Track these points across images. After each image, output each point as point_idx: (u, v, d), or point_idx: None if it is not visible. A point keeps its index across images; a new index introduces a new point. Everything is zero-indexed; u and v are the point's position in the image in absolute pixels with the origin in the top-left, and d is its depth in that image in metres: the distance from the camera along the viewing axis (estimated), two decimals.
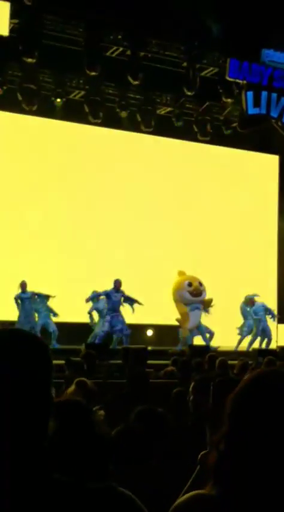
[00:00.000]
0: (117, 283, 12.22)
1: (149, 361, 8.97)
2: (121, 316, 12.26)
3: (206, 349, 10.96)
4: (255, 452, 1.25)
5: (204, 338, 12.92)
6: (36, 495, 1.12)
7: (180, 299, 13.40)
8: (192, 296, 13.23)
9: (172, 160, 15.02)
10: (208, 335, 12.99)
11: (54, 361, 1.28)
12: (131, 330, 12.32)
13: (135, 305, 12.32)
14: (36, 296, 12.17)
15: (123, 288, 12.33)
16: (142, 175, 14.78)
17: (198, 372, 6.93)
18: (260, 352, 10.67)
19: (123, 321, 12.19)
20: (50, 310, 12.30)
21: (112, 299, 12.20)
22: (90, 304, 12.67)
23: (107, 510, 1.17)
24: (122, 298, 12.29)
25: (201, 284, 13.40)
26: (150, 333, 13.97)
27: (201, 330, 13.12)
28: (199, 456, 1.97)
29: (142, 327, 13.74)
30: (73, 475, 1.21)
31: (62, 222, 13.87)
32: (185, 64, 13.66)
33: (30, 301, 12.03)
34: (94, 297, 12.54)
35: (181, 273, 13.61)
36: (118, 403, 4.55)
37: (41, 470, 1.14)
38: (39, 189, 13.71)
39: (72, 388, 4.32)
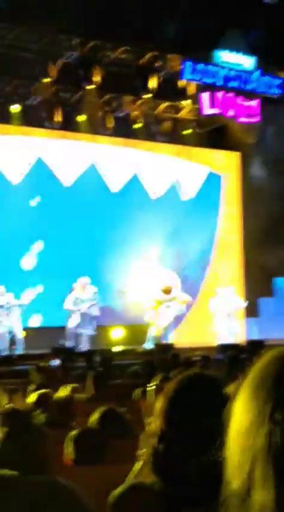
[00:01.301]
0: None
1: (117, 362, 9.06)
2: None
3: (170, 346, 11.11)
4: (182, 444, 1.40)
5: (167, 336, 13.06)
6: None
7: (151, 297, 13.57)
8: (164, 294, 13.39)
9: (131, 162, 15.14)
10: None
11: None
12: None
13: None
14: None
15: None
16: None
17: (162, 370, 7.07)
18: (222, 347, 10.87)
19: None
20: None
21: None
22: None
23: (48, 499, 1.26)
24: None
25: (171, 281, 13.58)
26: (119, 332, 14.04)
27: (170, 328, 13.30)
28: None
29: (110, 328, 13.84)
30: (19, 471, 1.33)
31: None
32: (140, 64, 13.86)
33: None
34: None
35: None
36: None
37: None
38: None
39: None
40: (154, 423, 1.60)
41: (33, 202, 14.07)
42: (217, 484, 0.79)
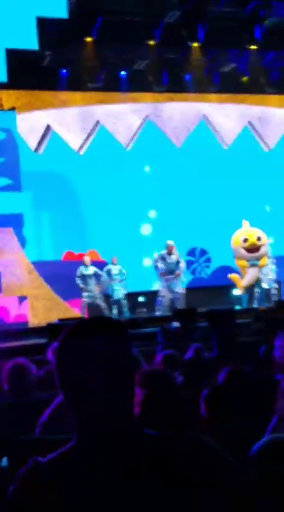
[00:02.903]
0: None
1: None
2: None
3: None
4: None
5: (255, 298, 12.52)
6: (132, 447, 1.35)
7: (236, 255, 12.91)
8: (248, 252, 12.67)
9: (241, 116, 14.89)
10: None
11: None
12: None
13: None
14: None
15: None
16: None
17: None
18: None
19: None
20: None
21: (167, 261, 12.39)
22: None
23: (192, 456, 1.35)
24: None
25: (259, 239, 12.70)
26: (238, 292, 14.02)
27: (260, 287, 12.67)
28: None
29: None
30: (161, 430, 1.43)
31: None
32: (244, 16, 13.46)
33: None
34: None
35: (244, 224, 13.08)
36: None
37: (134, 428, 1.37)
38: None
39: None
40: None
41: (147, 168, 14.31)
42: None
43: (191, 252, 14.60)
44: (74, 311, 12.88)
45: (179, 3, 13.16)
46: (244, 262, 12.71)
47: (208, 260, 14.86)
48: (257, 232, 12.81)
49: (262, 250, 12.69)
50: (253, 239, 12.64)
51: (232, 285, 13.32)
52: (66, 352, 1.38)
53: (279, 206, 14.86)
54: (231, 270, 13.72)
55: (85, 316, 11.93)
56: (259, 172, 14.70)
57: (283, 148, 15.05)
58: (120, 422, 1.36)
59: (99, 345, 1.36)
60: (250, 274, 12.61)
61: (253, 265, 12.62)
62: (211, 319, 8.70)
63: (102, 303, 12.52)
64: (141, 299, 13.34)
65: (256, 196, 14.58)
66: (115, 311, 12.69)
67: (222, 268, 14.25)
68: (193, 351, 5.22)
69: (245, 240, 12.66)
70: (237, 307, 11.82)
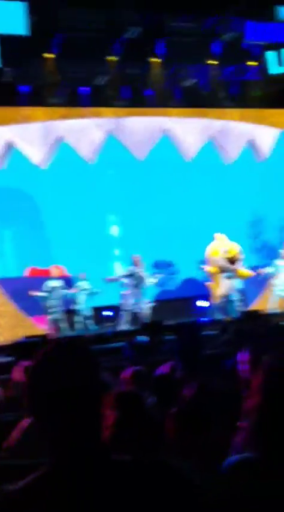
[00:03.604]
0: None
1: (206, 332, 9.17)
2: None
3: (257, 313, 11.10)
4: None
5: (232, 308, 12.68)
6: (98, 473, 1.35)
7: (214, 264, 13.07)
8: (229, 263, 12.88)
9: (203, 129, 15.08)
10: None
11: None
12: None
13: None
14: None
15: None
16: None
17: (253, 339, 7.14)
18: None
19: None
20: None
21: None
22: None
23: (159, 481, 1.37)
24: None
25: (239, 252, 13.00)
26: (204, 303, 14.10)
27: (231, 299, 12.84)
28: None
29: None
30: (130, 454, 1.43)
31: None
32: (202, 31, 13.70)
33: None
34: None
35: (220, 237, 13.32)
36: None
37: (101, 453, 1.37)
38: None
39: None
40: (253, 397, 1.70)
41: (111, 182, 14.35)
42: None
43: (157, 265, 14.67)
44: (40, 327, 12.77)
45: (139, 20, 13.32)
46: (218, 271, 12.94)
47: (174, 272, 14.95)
48: (237, 246, 13.18)
49: (240, 264, 13.01)
50: (234, 251, 12.99)
51: (199, 296, 13.42)
52: (41, 375, 1.39)
53: (241, 217, 15.03)
54: (197, 282, 13.82)
55: (52, 332, 11.84)
56: (221, 184, 14.87)
57: (244, 161, 15.27)
58: (89, 448, 1.37)
59: (70, 369, 1.37)
60: (227, 285, 12.86)
61: (229, 277, 12.85)
62: (178, 332, 8.76)
63: (66, 318, 12.46)
64: (107, 313, 13.32)
65: (220, 208, 14.72)
66: (81, 326, 12.65)
67: (189, 281, 14.36)
68: (169, 367, 5.15)
69: (226, 252, 12.96)
70: (204, 319, 11.89)
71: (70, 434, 1.36)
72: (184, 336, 8.17)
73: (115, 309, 13.09)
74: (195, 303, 13.62)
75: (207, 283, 13.41)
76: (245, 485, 1.64)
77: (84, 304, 12.73)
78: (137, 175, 14.39)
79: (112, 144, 14.33)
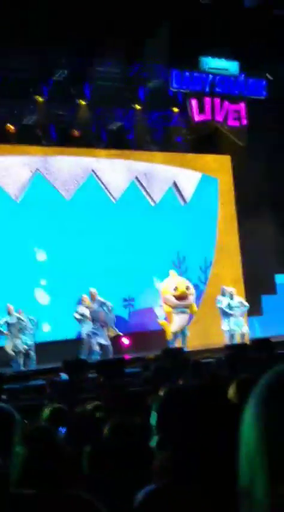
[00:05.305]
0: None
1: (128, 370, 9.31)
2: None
3: (179, 351, 11.37)
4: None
5: (183, 341, 13.29)
6: (9, 508, 1.42)
7: (165, 302, 13.80)
8: (178, 300, 13.56)
9: (128, 171, 15.46)
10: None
11: None
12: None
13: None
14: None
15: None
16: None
17: (172, 375, 7.33)
18: (229, 347, 11.13)
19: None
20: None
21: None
22: None
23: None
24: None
25: (187, 288, 13.78)
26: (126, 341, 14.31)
27: (184, 333, 13.48)
28: None
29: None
30: (40, 487, 1.51)
31: None
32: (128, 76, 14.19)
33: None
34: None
35: (172, 274, 14.05)
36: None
37: (10, 488, 1.47)
38: None
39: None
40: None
41: (35, 218, 14.37)
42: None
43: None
44: None
45: (67, 63, 13.67)
46: (170, 309, 13.59)
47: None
48: (186, 282, 13.88)
49: (190, 298, 13.68)
50: (182, 288, 13.62)
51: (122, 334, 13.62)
52: None
53: (167, 257, 15.34)
54: (121, 319, 14.04)
55: None
56: (146, 224, 15.20)
57: (168, 203, 15.73)
58: None
59: None
60: (179, 321, 13.42)
61: (181, 312, 13.39)
62: (100, 370, 8.87)
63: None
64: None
65: (145, 248, 15.01)
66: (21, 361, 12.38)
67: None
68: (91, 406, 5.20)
69: (175, 289, 13.60)
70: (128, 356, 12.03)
71: None
72: (108, 373, 8.28)
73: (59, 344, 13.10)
74: (120, 340, 13.76)
75: (159, 321, 13.91)
76: None
77: (24, 340, 12.50)
78: (64, 214, 14.52)
79: (39, 183, 14.46)
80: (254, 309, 15.22)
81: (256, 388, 0.84)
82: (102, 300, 13.13)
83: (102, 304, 13.07)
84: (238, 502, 0.81)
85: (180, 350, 11.65)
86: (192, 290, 13.94)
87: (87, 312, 12.97)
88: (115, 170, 15.22)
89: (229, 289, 14.03)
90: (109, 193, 15.24)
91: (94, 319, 12.85)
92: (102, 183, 15.17)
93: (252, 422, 0.81)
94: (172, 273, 14.11)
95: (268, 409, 0.80)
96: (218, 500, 1.36)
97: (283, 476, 0.75)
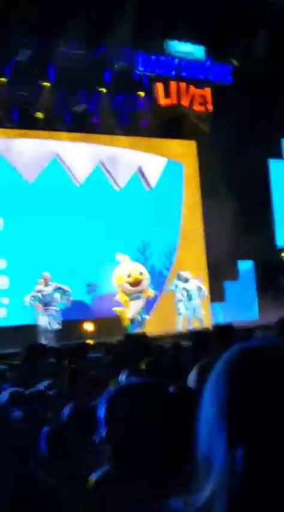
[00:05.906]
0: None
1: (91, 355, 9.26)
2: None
3: (141, 336, 11.31)
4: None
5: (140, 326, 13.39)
6: None
7: (121, 289, 13.76)
8: (132, 286, 13.59)
9: (92, 155, 15.29)
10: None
11: None
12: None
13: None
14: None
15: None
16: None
17: (134, 360, 7.29)
18: (191, 333, 11.12)
19: None
20: None
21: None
22: None
23: (27, 491, 1.45)
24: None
25: (141, 273, 13.75)
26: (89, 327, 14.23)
27: (142, 318, 13.55)
28: None
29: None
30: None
31: None
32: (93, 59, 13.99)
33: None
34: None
35: (123, 260, 13.91)
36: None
37: None
38: None
39: None
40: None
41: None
42: None
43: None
44: None
45: (30, 43, 13.38)
46: (126, 297, 13.59)
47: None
48: (139, 267, 13.91)
49: (144, 283, 13.68)
50: (136, 274, 13.63)
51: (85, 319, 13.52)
52: None
53: (131, 242, 15.27)
54: (85, 305, 13.93)
55: None
56: (111, 210, 15.07)
57: (132, 188, 15.62)
58: None
59: None
60: (135, 306, 13.46)
61: (137, 298, 13.48)
62: (60, 355, 8.75)
63: None
64: None
65: (110, 233, 14.90)
66: None
67: (76, 303, 14.26)
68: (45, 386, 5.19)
69: (129, 276, 13.62)
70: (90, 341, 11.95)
71: None
72: (70, 358, 8.18)
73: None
74: (82, 326, 13.66)
75: (115, 309, 13.73)
76: (103, 497, 1.74)
77: None
78: (26, 197, 14.28)
79: (0, 165, 14.18)
80: (216, 295, 15.30)
81: (216, 365, 0.92)
82: (57, 284, 12.97)
83: (57, 288, 12.91)
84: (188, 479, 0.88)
85: (142, 335, 11.60)
86: (146, 275, 13.95)
87: (39, 295, 12.81)
88: (79, 154, 15.02)
89: (185, 273, 14.07)
90: (74, 177, 15.05)
91: (47, 303, 12.71)
92: (66, 166, 14.97)
93: (213, 391, 0.89)
94: (123, 258, 13.95)
95: (230, 375, 0.88)
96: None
97: (239, 437, 0.83)
